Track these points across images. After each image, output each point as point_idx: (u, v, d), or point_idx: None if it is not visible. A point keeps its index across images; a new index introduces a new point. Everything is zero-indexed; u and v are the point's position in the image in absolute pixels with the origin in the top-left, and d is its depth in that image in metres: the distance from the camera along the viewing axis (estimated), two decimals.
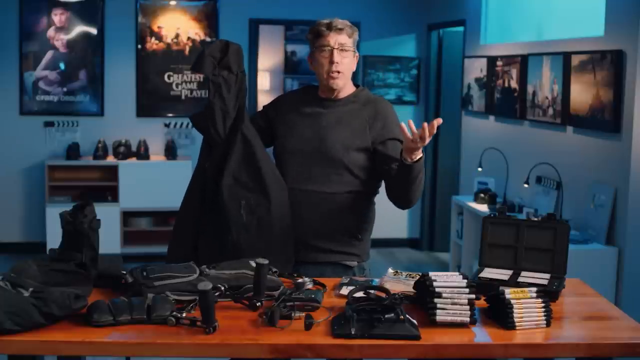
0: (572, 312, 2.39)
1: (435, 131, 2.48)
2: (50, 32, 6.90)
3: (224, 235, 2.74)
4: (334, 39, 2.77)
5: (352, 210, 2.82)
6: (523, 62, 5.37)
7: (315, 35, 2.81)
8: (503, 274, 2.58)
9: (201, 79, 7.13)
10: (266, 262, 2.25)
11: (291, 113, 2.88)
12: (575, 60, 4.66)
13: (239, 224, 2.72)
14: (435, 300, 2.15)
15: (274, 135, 2.92)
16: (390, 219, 7.32)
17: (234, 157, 2.74)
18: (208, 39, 7.05)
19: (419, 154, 2.59)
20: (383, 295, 2.26)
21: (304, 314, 2.15)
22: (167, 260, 2.83)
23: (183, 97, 7.17)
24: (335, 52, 2.77)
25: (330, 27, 2.78)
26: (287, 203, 2.77)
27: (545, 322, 2.18)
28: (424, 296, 2.20)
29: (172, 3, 7.11)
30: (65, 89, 6.98)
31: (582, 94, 4.59)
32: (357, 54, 2.86)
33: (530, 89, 5.26)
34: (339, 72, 2.78)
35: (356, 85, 2.94)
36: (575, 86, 4.67)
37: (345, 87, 2.85)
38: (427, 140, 2.49)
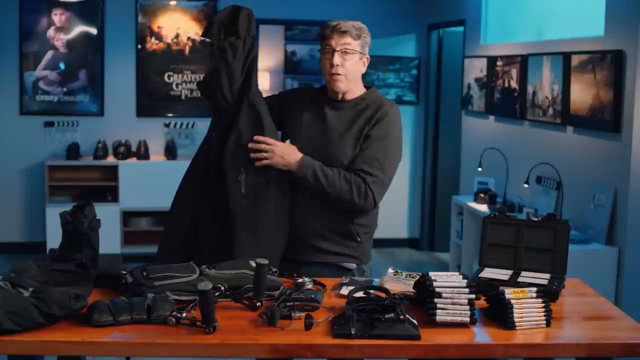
0: (572, 312, 2.39)
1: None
2: (50, 32, 6.90)
3: (223, 205, 2.70)
4: (335, 41, 2.77)
5: (352, 213, 2.81)
6: (523, 62, 5.37)
7: (320, 37, 2.82)
8: (503, 274, 2.58)
9: (201, 78, 7.13)
10: (266, 262, 2.25)
11: (301, 111, 2.86)
12: (575, 60, 4.66)
13: (237, 193, 2.70)
14: (435, 300, 2.15)
15: (282, 129, 2.90)
16: (390, 219, 7.35)
17: (239, 124, 2.72)
18: (208, 40, 7.04)
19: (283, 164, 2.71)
20: (383, 295, 2.26)
21: (304, 314, 2.15)
22: (160, 246, 2.82)
23: (183, 97, 7.17)
24: (337, 54, 2.76)
25: (334, 29, 2.77)
26: (286, 180, 2.75)
27: (545, 322, 2.18)
28: (424, 296, 2.20)
29: (172, 3, 7.11)
30: (65, 89, 6.98)
31: (582, 94, 4.59)
32: (365, 57, 2.82)
33: (530, 89, 5.26)
34: (339, 74, 2.78)
35: (368, 86, 2.92)
36: (575, 86, 4.67)
37: (351, 89, 2.83)
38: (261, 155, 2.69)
